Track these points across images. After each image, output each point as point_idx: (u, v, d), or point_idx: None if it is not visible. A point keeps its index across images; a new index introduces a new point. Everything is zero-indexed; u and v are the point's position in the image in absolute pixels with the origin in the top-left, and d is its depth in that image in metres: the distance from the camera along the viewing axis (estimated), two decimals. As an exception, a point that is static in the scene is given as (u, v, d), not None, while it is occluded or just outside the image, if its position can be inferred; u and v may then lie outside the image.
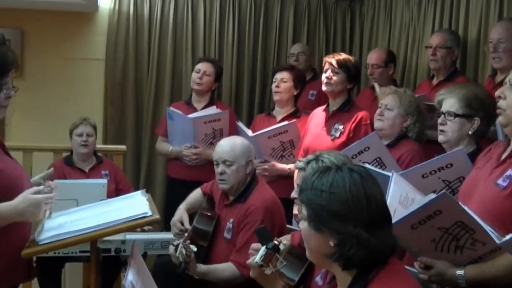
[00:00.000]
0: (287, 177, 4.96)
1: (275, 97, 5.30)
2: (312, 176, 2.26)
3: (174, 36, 6.78)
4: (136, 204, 3.47)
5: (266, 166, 5.03)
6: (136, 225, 3.27)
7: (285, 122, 5.11)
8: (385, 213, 2.20)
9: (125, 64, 6.77)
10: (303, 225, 2.26)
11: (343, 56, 4.78)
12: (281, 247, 2.93)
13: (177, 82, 6.78)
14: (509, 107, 2.66)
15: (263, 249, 2.92)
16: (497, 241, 2.17)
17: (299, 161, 3.41)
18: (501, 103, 2.70)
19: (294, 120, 5.12)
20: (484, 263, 2.58)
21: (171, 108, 5.60)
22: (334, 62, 4.69)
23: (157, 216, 3.29)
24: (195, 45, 6.81)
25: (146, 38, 6.78)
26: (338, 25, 7.11)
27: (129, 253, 4.59)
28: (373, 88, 5.50)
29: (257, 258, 2.94)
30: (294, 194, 3.43)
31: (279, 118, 5.29)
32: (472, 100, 3.48)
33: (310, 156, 3.34)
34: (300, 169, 3.32)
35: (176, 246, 3.83)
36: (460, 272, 2.60)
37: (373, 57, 5.57)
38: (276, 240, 2.93)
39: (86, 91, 6.82)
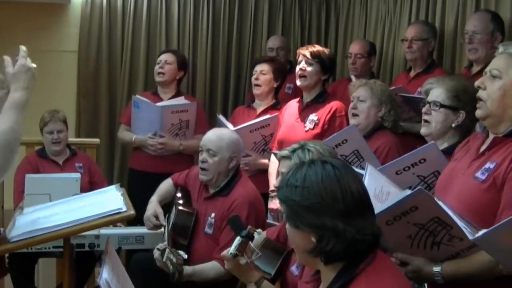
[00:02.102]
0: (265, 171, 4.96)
1: (255, 90, 5.26)
2: (288, 173, 2.24)
3: (148, 28, 6.72)
4: (111, 199, 3.42)
5: (247, 160, 4.99)
6: (110, 221, 3.23)
7: (267, 116, 5.09)
8: (364, 202, 2.15)
9: (98, 56, 6.69)
10: (287, 224, 2.24)
11: (317, 47, 4.77)
12: (256, 235, 2.91)
13: (150, 75, 6.64)
14: (489, 97, 2.63)
15: (238, 239, 2.90)
16: (470, 237, 2.14)
17: (285, 149, 3.35)
18: (481, 93, 2.67)
19: (276, 113, 5.09)
20: (461, 259, 2.57)
21: (138, 96, 5.56)
22: (307, 54, 4.68)
23: (132, 211, 3.24)
24: (169, 38, 6.76)
25: (119, 30, 6.71)
26: (313, 17, 7.08)
27: (103, 248, 4.55)
28: (350, 79, 5.50)
29: (232, 249, 2.92)
30: (276, 183, 3.38)
31: (259, 110, 5.26)
32: (460, 92, 3.41)
33: (295, 145, 3.30)
34: (285, 157, 3.27)
35: (162, 251, 3.76)
36: (437, 268, 2.59)
37: (356, 47, 5.52)
38: (250, 228, 2.91)
39: (58, 83, 6.71)
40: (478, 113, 2.70)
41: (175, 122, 5.41)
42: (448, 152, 3.31)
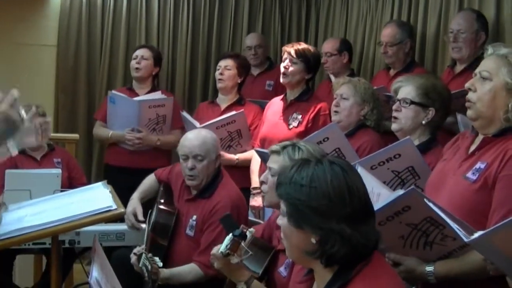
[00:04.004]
0: (239, 167, 5.00)
1: (219, 85, 5.27)
2: (291, 169, 2.16)
3: (128, 23, 6.68)
4: (99, 196, 3.39)
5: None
6: (101, 219, 3.20)
7: (233, 112, 5.08)
8: (368, 207, 2.12)
9: (77, 51, 6.63)
10: (282, 221, 2.17)
11: (302, 45, 4.76)
12: (248, 234, 2.89)
13: (129, 70, 6.55)
14: (479, 100, 2.64)
15: (229, 237, 2.88)
16: (466, 240, 2.14)
17: (276, 145, 3.34)
18: (470, 95, 2.68)
19: (242, 110, 5.09)
20: (453, 259, 2.58)
21: (114, 92, 5.52)
22: (292, 52, 4.67)
23: (122, 209, 3.22)
24: (148, 33, 6.72)
25: (99, 24, 6.65)
26: (293, 15, 7.08)
27: (84, 245, 4.53)
28: (330, 79, 5.50)
29: (222, 247, 2.90)
30: (263, 178, 3.35)
31: (223, 106, 5.27)
32: (429, 90, 3.49)
33: (286, 142, 3.29)
34: (275, 152, 3.26)
35: (139, 256, 3.71)
36: (429, 268, 2.59)
37: (327, 45, 5.54)
38: (243, 227, 2.89)
39: (37, 77, 6.63)
40: (469, 114, 2.70)
41: (152, 117, 5.38)
42: (420, 150, 3.38)
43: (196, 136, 4.13)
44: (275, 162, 3.22)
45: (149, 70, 5.62)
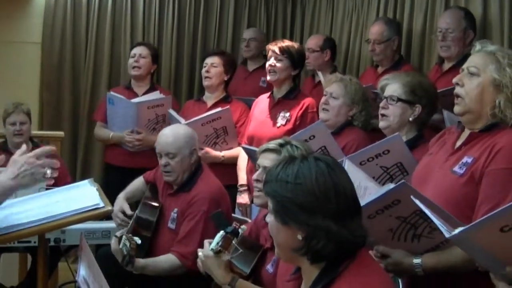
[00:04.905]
0: (225, 164, 4.99)
1: (205, 82, 5.27)
2: (277, 167, 2.17)
3: (113, 19, 6.64)
4: (86, 194, 3.36)
5: (199, 154, 4.96)
6: (88, 217, 3.17)
7: (219, 109, 5.07)
8: (355, 204, 2.13)
9: (62, 48, 6.58)
10: (270, 218, 2.18)
11: (286, 42, 4.76)
12: (240, 231, 2.87)
13: (115, 67, 6.64)
14: (467, 94, 2.65)
15: (220, 234, 2.86)
16: (446, 235, 2.14)
17: (269, 143, 3.32)
18: (458, 90, 2.69)
19: (228, 106, 5.09)
20: (441, 251, 2.59)
21: (112, 93, 5.49)
22: (276, 49, 4.66)
23: (109, 207, 3.19)
24: (134, 29, 6.70)
25: (84, 21, 6.60)
26: (279, 12, 7.07)
27: (69, 243, 4.52)
28: (313, 76, 5.49)
29: (213, 244, 2.88)
30: (257, 176, 3.33)
31: (209, 103, 5.26)
32: (416, 87, 3.52)
33: (280, 140, 3.28)
34: (271, 150, 3.24)
35: (119, 238, 3.72)
36: (417, 260, 2.60)
37: (310, 41, 5.58)
38: (235, 224, 2.87)
39: (21, 75, 6.59)
40: (457, 109, 2.72)
41: (151, 117, 5.35)
42: (408, 146, 3.41)
43: (168, 134, 4.15)
44: (271, 160, 3.18)
45: (147, 69, 5.63)
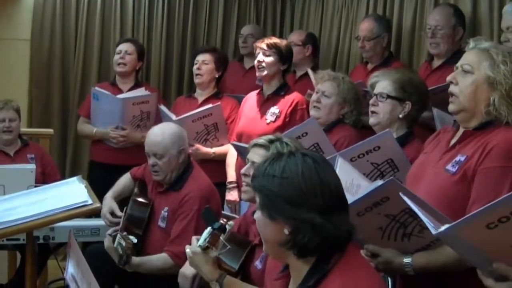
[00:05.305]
0: (216, 161, 4.99)
1: (196, 80, 5.27)
2: (265, 162, 2.21)
3: (102, 16, 6.61)
4: (75, 191, 3.36)
5: (190, 150, 4.96)
6: (76, 214, 3.16)
7: (209, 105, 5.07)
8: (341, 199, 2.15)
9: (51, 45, 6.55)
10: (257, 214, 2.21)
11: (273, 39, 4.78)
12: (227, 227, 2.87)
13: (104, 64, 6.60)
14: (461, 93, 2.64)
15: (208, 231, 2.86)
16: (433, 232, 2.14)
17: (260, 139, 3.31)
18: (452, 88, 2.68)
19: (219, 103, 5.09)
20: (432, 250, 2.58)
21: (97, 88, 5.46)
22: (264, 46, 4.67)
23: (98, 204, 3.19)
24: (123, 26, 6.66)
25: (73, 18, 6.56)
26: (268, 8, 7.06)
27: (58, 240, 4.50)
28: (295, 71, 5.50)
29: (201, 241, 2.87)
30: (245, 171, 3.33)
31: (200, 100, 5.26)
32: (406, 84, 3.52)
33: (270, 136, 3.28)
34: (261, 145, 3.23)
35: (114, 237, 3.71)
36: (407, 260, 2.59)
37: (293, 36, 5.65)
38: (222, 220, 2.87)
39: (10, 72, 6.55)
40: (451, 107, 2.71)
41: (136, 114, 5.34)
42: (398, 143, 3.42)
43: (156, 134, 4.12)
44: (260, 156, 3.18)
45: (133, 65, 5.60)
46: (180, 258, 3.77)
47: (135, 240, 3.67)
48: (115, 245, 3.68)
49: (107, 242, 3.80)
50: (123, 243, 3.59)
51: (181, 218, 3.95)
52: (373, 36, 4.82)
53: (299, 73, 5.45)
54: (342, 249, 2.12)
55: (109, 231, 3.85)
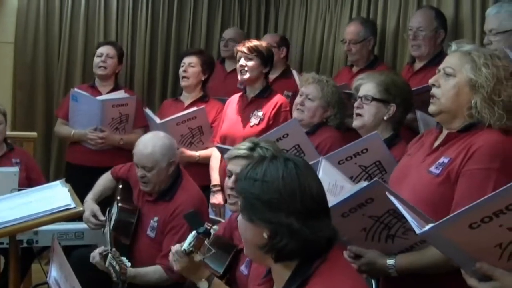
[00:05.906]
0: (200, 164, 4.97)
1: (183, 83, 5.26)
2: (247, 166, 2.21)
3: (86, 19, 6.61)
4: (57, 195, 3.34)
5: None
6: (59, 217, 3.15)
7: (194, 108, 5.06)
8: (322, 205, 2.14)
9: (35, 48, 6.54)
10: (239, 216, 2.21)
11: (253, 42, 4.77)
12: (212, 231, 2.86)
13: (88, 67, 6.54)
14: (443, 95, 2.65)
15: (192, 235, 2.84)
16: (417, 231, 2.15)
17: (238, 148, 3.30)
18: (435, 91, 2.69)
19: (203, 106, 5.08)
20: (415, 252, 2.59)
21: (76, 90, 5.45)
22: (245, 49, 4.65)
23: (81, 208, 3.18)
24: (107, 29, 6.67)
25: (57, 21, 6.57)
26: (253, 11, 7.09)
27: (42, 244, 4.47)
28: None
29: (185, 245, 2.86)
30: (231, 184, 3.31)
31: (187, 103, 5.25)
32: (390, 86, 3.53)
33: (247, 143, 3.27)
34: (242, 156, 3.22)
35: (104, 256, 3.65)
36: (391, 261, 2.59)
37: (268, 38, 5.75)
38: (207, 224, 2.86)
39: (-6, 75, 6.54)
40: (432, 109, 2.71)
41: (115, 116, 5.33)
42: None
43: (145, 145, 4.04)
44: (242, 167, 3.15)
45: (113, 69, 5.59)
46: (173, 272, 3.70)
47: (129, 264, 3.62)
48: (106, 264, 3.61)
49: (97, 261, 3.70)
50: (117, 267, 3.53)
51: (173, 232, 3.92)
52: (359, 39, 4.84)
53: (272, 76, 5.42)
54: (325, 254, 2.12)
55: (99, 250, 3.74)
